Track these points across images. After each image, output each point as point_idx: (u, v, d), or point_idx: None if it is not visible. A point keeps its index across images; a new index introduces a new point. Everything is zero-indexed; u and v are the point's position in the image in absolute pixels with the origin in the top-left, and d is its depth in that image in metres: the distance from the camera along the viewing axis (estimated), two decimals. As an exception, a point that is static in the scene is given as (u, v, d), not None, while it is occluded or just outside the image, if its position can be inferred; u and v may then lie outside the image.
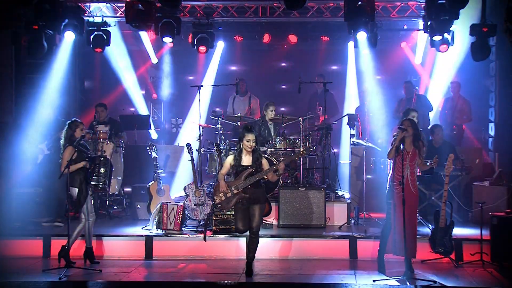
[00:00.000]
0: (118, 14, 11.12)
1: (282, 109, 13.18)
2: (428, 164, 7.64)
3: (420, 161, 7.33)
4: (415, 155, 7.28)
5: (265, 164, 7.16)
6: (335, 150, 11.16)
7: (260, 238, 8.17)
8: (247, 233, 7.28)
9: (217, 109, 11.94)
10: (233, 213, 7.52)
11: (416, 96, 11.15)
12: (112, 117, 10.75)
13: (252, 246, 7.24)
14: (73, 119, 7.93)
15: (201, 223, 8.68)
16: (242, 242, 8.02)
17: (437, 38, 9.91)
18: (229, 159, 7.20)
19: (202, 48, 11.27)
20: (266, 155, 9.62)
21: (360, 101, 11.97)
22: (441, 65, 11.84)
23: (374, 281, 6.99)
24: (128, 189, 10.40)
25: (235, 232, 7.23)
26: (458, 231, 8.17)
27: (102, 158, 7.77)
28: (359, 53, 11.94)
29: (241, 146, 7.10)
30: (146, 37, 12.68)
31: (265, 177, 7.12)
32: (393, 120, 11.59)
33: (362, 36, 10.13)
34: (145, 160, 10.96)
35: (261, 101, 11.57)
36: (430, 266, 7.61)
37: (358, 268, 7.69)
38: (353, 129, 11.41)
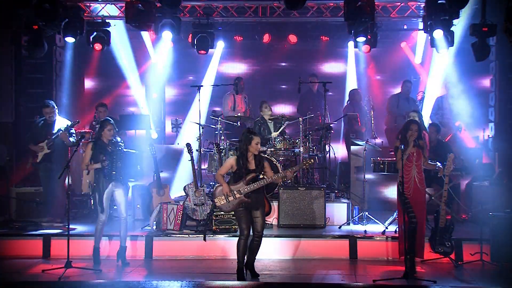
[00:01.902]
0: (118, 14, 11.12)
1: (282, 108, 13.19)
2: (433, 164, 7.66)
3: (424, 160, 7.46)
4: (420, 155, 7.38)
5: (267, 166, 7.06)
6: (335, 150, 11.16)
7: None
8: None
9: (217, 109, 11.94)
10: (234, 217, 7.39)
11: (411, 100, 11.18)
12: (112, 117, 10.71)
13: (256, 248, 7.12)
14: (105, 118, 8.00)
15: (201, 223, 8.68)
16: (242, 242, 8.01)
17: (437, 34, 9.86)
18: (231, 161, 7.02)
19: (202, 52, 11.27)
20: (266, 155, 9.65)
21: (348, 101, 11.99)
22: (440, 65, 11.84)
23: (374, 281, 6.98)
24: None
25: (240, 236, 6.99)
26: (458, 231, 8.17)
27: (119, 151, 7.73)
28: (359, 53, 11.95)
29: (248, 150, 6.93)
30: (146, 37, 12.69)
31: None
32: (385, 115, 11.65)
33: (361, 39, 10.21)
34: (145, 160, 10.97)
35: (259, 101, 11.57)
36: (430, 266, 7.61)
37: (358, 268, 7.69)
38: (353, 129, 11.47)
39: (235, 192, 6.94)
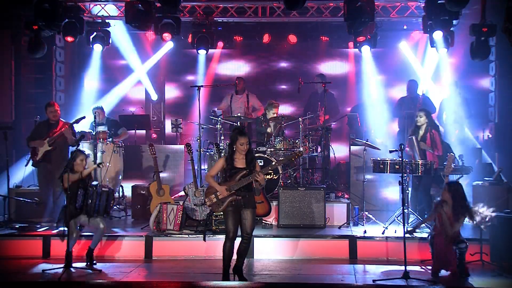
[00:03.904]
0: (118, 14, 11.13)
1: (282, 109, 13.18)
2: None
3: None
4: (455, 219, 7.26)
5: (257, 166, 6.91)
6: (335, 150, 11.15)
7: (259, 238, 8.21)
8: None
9: (217, 109, 11.95)
10: (224, 217, 7.04)
11: (416, 98, 11.16)
12: (110, 118, 10.75)
13: (244, 251, 6.93)
14: (76, 149, 7.79)
15: (201, 223, 8.68)
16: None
17: (437, 35, 9.88)
18: (221, 162, 6.90)
19: (202, 52, 11.27)
20: (266, 155, 9.66)
21: (358, 100, 11.98)
22: (440, 65, 11.84)
23: (374, 281, 6.98)
24: (128, 189, 10.40)
25: (226, 238, 6.83)
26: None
27: (95, 188, 7.72)
28: (358, 53, 11.94)
29: (234, 149, 6.82)
30: (146, 37, 12.71)
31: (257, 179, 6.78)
32: (393, 118, 11.64)
33: (361, 39, 10.22)
34: (145, 160, 10.98)
35: (260, 100, 11.57)
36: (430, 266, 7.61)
37: (358, 268, 7.69)
38: (353, 129, 11.47)
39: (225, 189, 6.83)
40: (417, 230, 7.56)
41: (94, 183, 7.87)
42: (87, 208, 7.64)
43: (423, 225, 8.40)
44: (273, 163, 7.35)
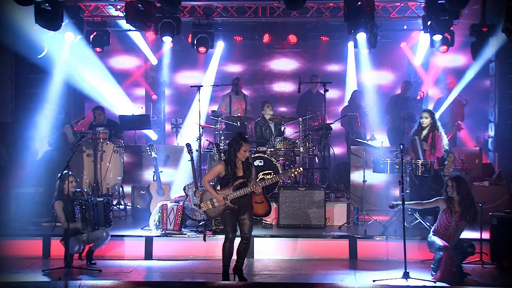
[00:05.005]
0: (118, 14, 11.13)
1: (282, 109, 13.19)
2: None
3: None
4: (462, 217, 7.21)
5: (253, 173, 6.96)
6: (335, 150, 11.16)
7: (259, 238, 8.21)
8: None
9: (217, 109, 11.96)
10: (221, 221, 7.12)
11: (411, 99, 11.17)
12: (111, 119, 10.74)
13: (244, 252, 6.96)
14: (64, 172, 7.62)
15: (201, 223, 8.68)
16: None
17: (437, 37, 9.92)
18: (219, 168, 6.86)
19: (202, 49, 11.28)
20: (266, 155, 9.65)
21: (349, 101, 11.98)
22: (440, 65, 11.85)
23: (374, 281, 6.98)
24: (128, 189, 10.40)
25: (225, 239, 6.86)
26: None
27: (89, 201, 7.74)
28: (359, 53, 11.96)
29: (236, 155, 6.78)
30: (146, 37, 12.71)
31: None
32: (385, 116, 11.65)
33: (361, 36, 10.19)
34: (145, 160, 10.98)
35: (260, 101, 11.57)
36: (429, 266, 7.59)
37: (358, 268, 7.69)
38: (353, 129, 11.48)
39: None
40: (399, 202, 7.36)
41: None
42: (87, 223, 7.63)
43: (423, 224, 8.44)
44: (275, 176, 7.39)
